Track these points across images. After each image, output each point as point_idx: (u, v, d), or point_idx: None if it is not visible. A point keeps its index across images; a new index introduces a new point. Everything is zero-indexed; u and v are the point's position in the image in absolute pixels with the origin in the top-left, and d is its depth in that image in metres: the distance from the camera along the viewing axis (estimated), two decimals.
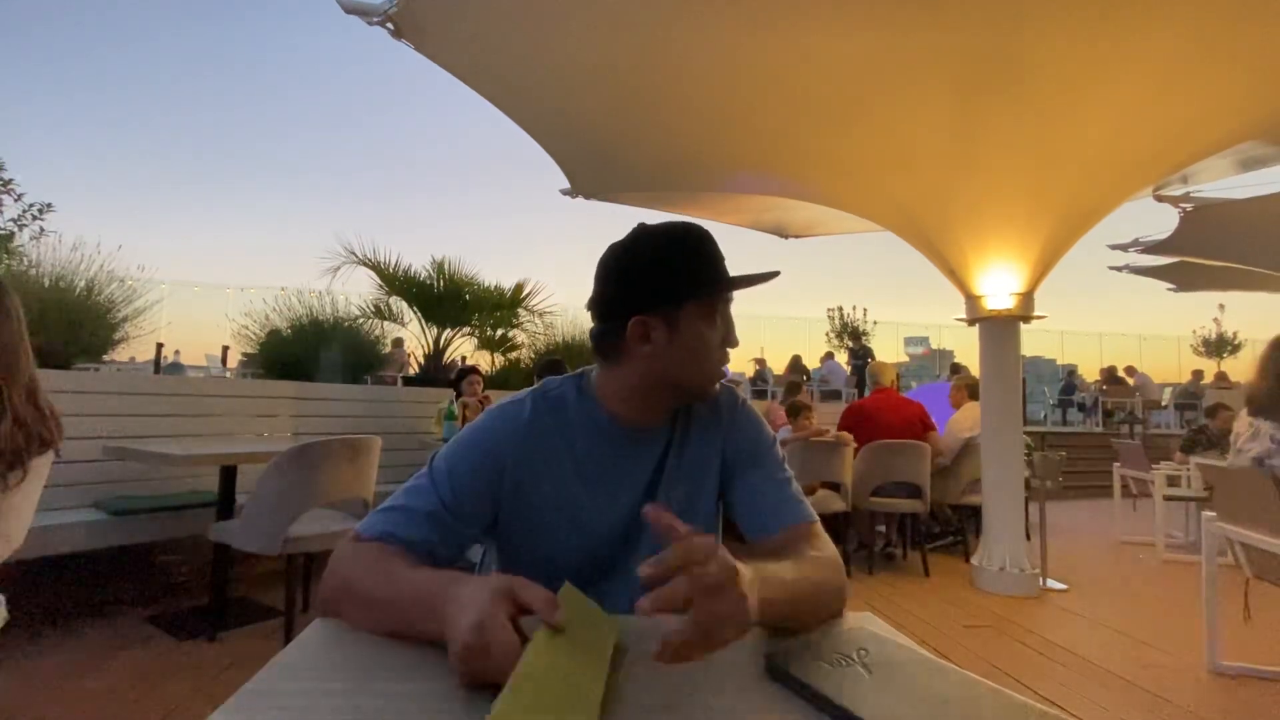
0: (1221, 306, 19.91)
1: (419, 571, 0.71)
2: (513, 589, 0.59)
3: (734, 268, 0.91)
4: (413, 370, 6.98)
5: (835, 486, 4.24)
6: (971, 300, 4.14)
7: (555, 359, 4.49)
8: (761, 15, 3.26)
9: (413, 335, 6.45)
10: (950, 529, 5.02)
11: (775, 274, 0.90)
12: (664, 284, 0.87)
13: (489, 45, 3.87)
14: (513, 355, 6.78)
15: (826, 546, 0.85)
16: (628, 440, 0.91)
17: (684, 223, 0.92)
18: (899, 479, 4.28)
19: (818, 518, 0.91)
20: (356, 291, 6.22)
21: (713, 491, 0.95)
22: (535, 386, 0.94)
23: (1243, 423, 2.73)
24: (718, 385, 0.95)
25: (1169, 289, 11.21)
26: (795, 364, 12.67)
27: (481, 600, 0.57)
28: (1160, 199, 6.44)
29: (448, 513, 0.81)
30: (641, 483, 0.91)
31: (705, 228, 0.93)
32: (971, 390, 4.88)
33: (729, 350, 0.92)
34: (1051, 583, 3.86)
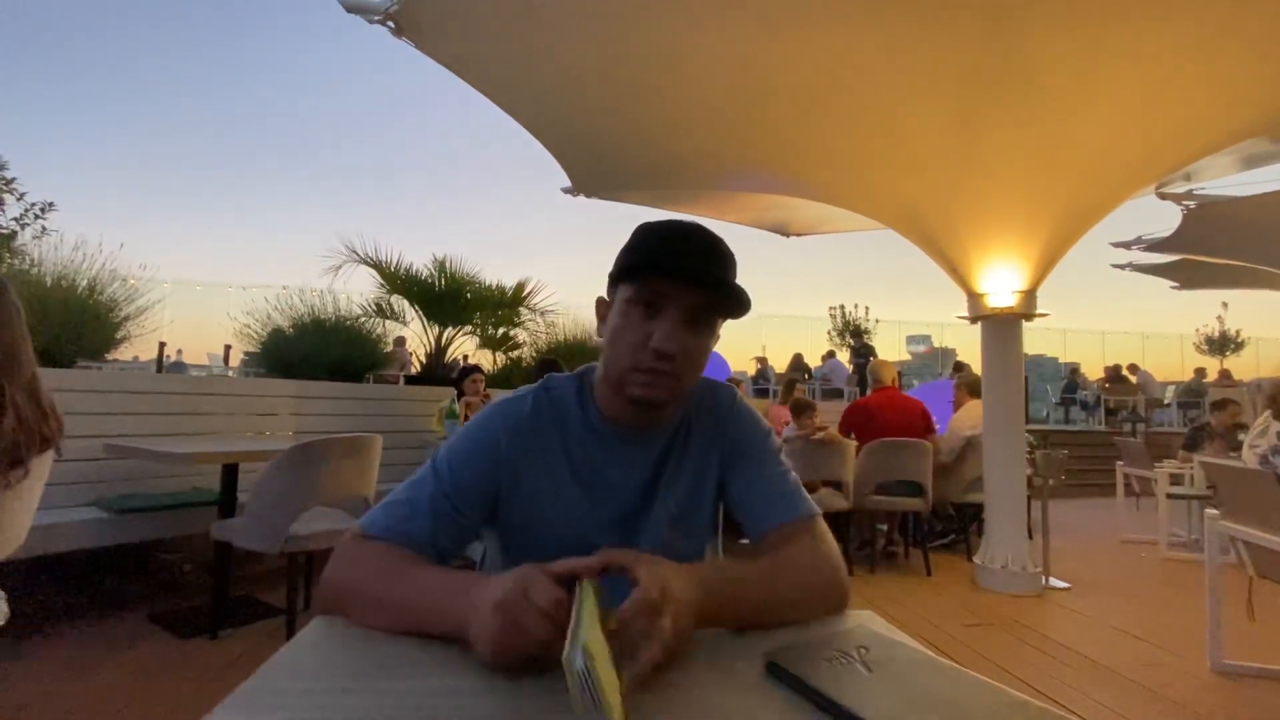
0: (1224, 304, 19.89)
1: (431, 570, 0.74)
2: (539, 568, 0.63)
3: (738, 268, 0.87)
4: (415, 369, 6.99)
5: (837, 485, 4.24)
6: (974, 298, 4.13)
7: (550, 359, 4.50)
8: (765, 14, 3.25)
9: (414, 334, 6.47)
10: (952, 527, 5.01)
11: (722, 283, 0.80)
12: (616, 264, 0.86)
13: (490, 43, 3.86)
14: (514, 354, 6.79)
15: (822, 541, 0.85)
16: (620, 443, 0.89)
17: (674, 219, 0.88)
18: (901, 477, 4.28)
19: (816, 511, 0.89)
20: (358, 290, 6.23)
21: (712, 492, 0.94)
22: (538, 383, 0.94)
23: (1261, 419, 2.73)
24: (652, 389, 0.81)
25: (1172, 287, 11.20)
26: (797, 362, 12.68)
27: (509, 577, 0.61)
28: (1163, 197, 6.42)
29: (449, 504, 0.81)
30: (635, 488, 0.90)
31: (702, 226, 0.86)
32: (973, 388, 4.86)
33: (657, 351, 0.78)
34: (1054, 581, 3.85)
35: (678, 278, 0.80)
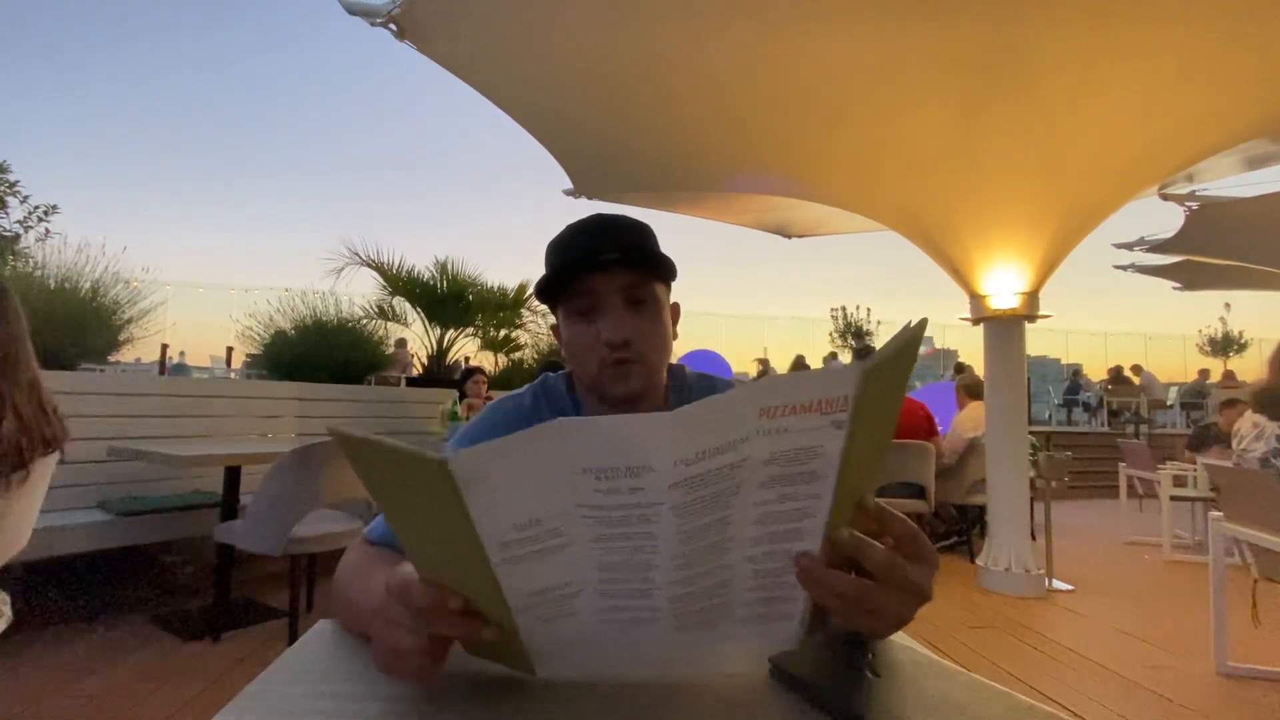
0: (1227, 305, 19.87)
1: (384, 569, 0.67)
2: (404, 590, 0.48)
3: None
4: (416, 371, 6.99)
5: None
6: (976, 300, 4.12)
7: (553, 360, 4.50)
8: (766, 14, 3.25)
9: (416, 336, 6.47)
10: (955, 529, 5.00)
11: (613, 256, 0.78)
12: (537, 290, 0.86)
13: (492, 46, 3.87)
14: (516, 356, 6.79)
15: None
16: None
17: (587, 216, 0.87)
18: (903, 479, 4.27)
19: None
20: (360, 292, 6.25)
21: None
22: (536, 381, 0.95)
23: (1247, 421, 2.71)
24: (626, 381, 0.81)
25: (1175, 288, 11.15)
26: (798, 364, 12.67)
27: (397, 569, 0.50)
28: (1166, 197, 6.40)
29: None
30: None
31: (601, 214, 0.86)
32: (973, 390, 4.86)
33: (609, 344, 0.79)
34: (1057, 583, 3.84)
35: (593, 269, 0.80)
